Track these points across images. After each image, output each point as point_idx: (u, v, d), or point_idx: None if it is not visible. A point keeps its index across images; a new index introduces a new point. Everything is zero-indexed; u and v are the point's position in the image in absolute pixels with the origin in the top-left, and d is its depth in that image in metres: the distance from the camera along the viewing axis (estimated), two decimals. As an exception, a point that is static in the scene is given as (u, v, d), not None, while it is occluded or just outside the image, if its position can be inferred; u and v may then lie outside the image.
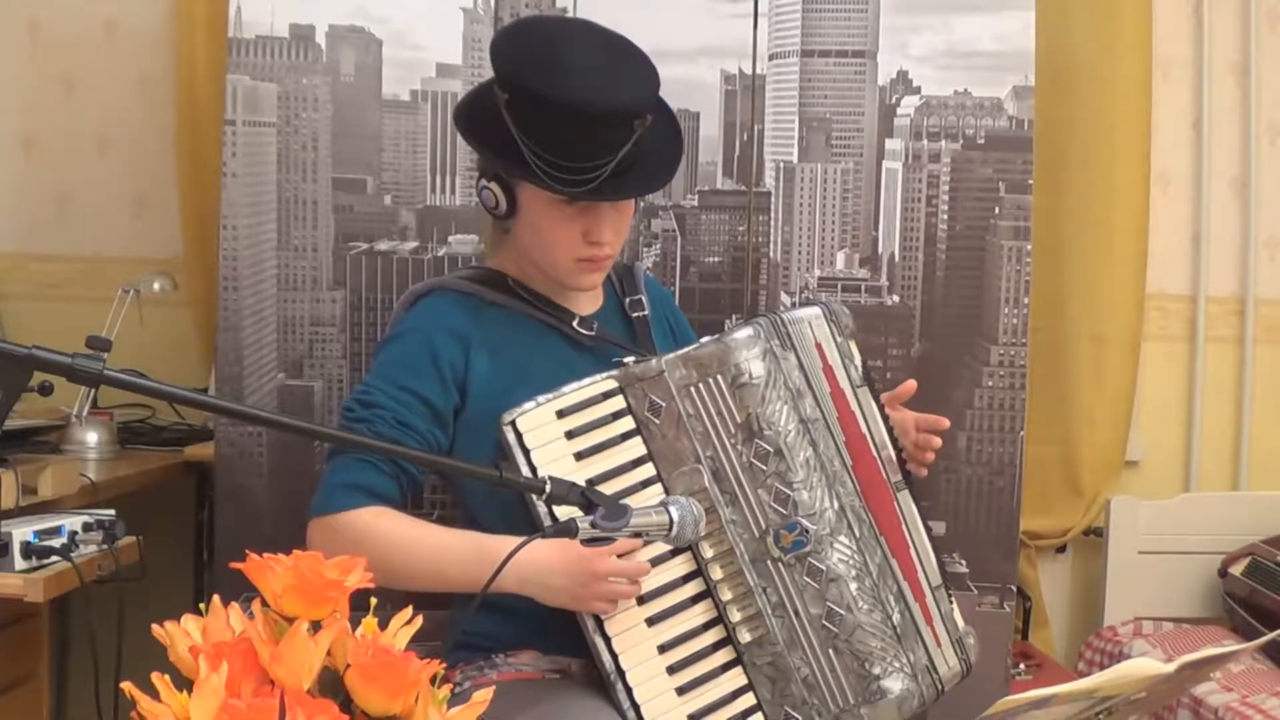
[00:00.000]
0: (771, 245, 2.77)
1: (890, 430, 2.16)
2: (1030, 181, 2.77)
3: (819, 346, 2.10)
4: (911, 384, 2.23)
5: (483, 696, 1.43)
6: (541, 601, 1.95)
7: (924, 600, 2.09)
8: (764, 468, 2.00)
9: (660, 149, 2.07)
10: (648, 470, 2.00)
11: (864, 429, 2.12)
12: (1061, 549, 3.47)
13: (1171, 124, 3.42)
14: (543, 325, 2.13)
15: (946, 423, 2.26)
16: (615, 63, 2.01)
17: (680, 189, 2.76)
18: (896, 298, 2.77)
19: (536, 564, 1.89)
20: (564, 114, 1.95)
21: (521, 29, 2.15)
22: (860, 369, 2.15)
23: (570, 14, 2.68)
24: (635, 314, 2.23)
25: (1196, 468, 3.49)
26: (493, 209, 2.09)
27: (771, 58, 2.75)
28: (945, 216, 2.78)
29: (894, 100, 2.77)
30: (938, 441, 2.24)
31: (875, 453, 2.12)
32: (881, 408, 2.17)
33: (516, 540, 1.83)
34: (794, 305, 2.73)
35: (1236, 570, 3.21)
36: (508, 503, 1.97)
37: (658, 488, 1.99)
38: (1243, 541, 3.26)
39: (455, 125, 2.17)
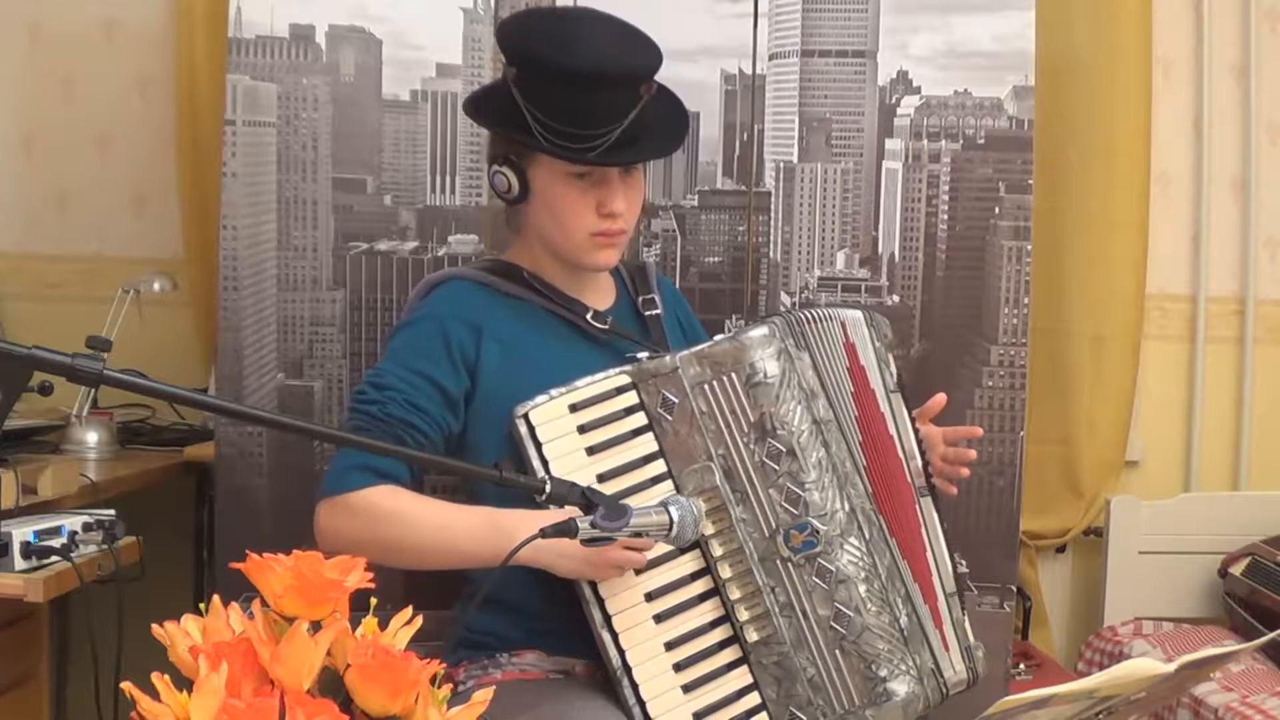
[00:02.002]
0: (771, 245, 2.77)
1: (920, 441, 2.18)
2: (1030, 181, 2.77)
3: (850, 346, 2.11)
4: (941, 397, 2.26)
5: (483, 696, 1.43)
6: (553, 571, 1.94)
7: (935, 604, 2.09)
8: (776, 467, 2.00)
9: (665, 121, 2.10)
10: (659, 467, 2.01)
11: (893, 431, 2.13)
12: (1061, 549, 3.46)
13: (1171, 124, 3.42)
14: (556, 318, 2.13)
15: (979, 431, 2.29)
16: (619, 33, 2.05)
17: (680, 189, 2.76)
18: (896, 298, 2.77)
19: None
20: (574, 80, 1.98)
21: (526, 12, 2.25)
22: (895, 377, 2.17)
23: (570, 14, 2.70)
24: (648, 312, 2.24)
25: (1196, 468, 3.49)
26: (505, 193, 2.10)
27: (771, 58, 2.75)
28: (945, 216, 2.78)
29: (894, 100, 2.77)
30: (971, 454, 2.25)
31: (903, 455, 2.13)
32: (913, 419, 2.18)
33: (522, 512, 1.85)
34: (795, 305, 2.73)
35: (1236, 570, 3.21)
36: (514, 496, 1.97)
37: (668, 484, 2.00)
38: (1243, 541, 3.26)
39: (464, 110, 2.22)
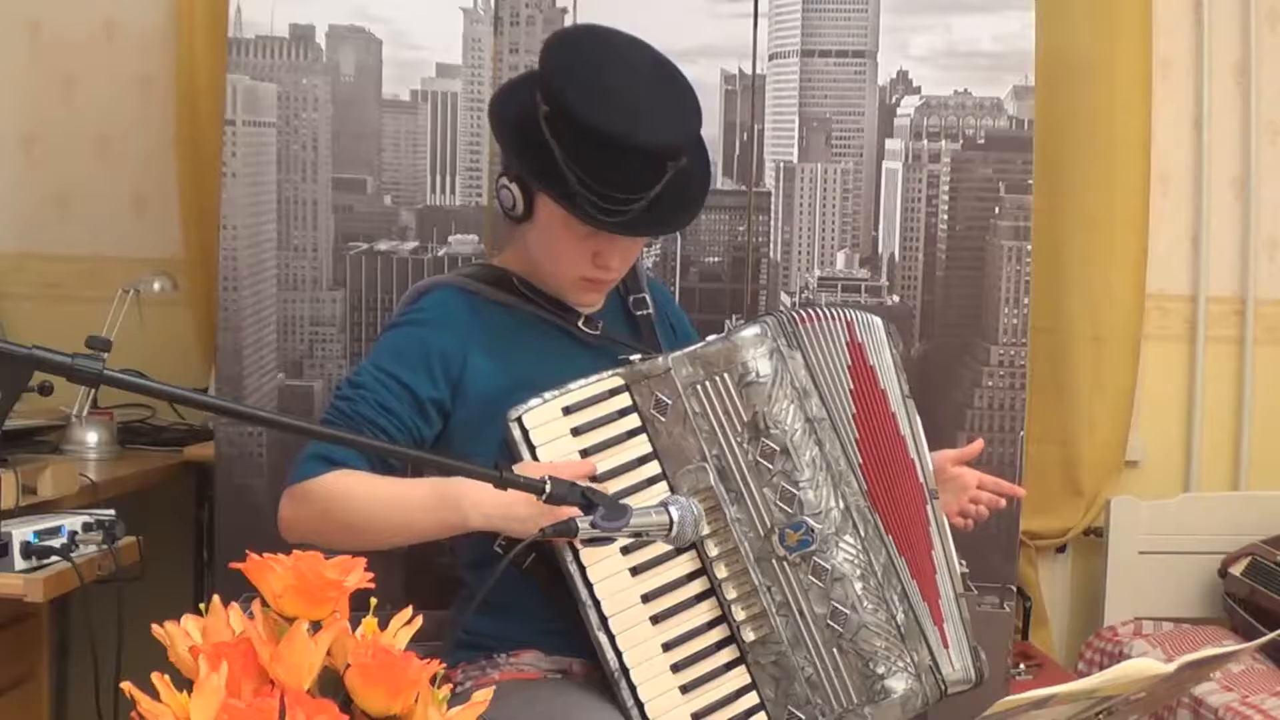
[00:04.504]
0: (771, 245, 2.77)
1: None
2: (1030, 181, 2.77)
3: (857, 346, 2.11)
4: (979, 443, 2.29)
5: (483, 696, 1.43)
6: (509, 534, 1.93)
7: (936, 601, 2.09)
8: (770, 466, 2.01)
9: (689, 187, 2.06)
10: (653, 468, 2.00)
11: (906, 431, 2.14)
12: (1061, 549, 3.47)
13: (1171, 124, 3.42)
14: (547, 324, 2.13)
15: (1021, 492, 2.34)
16: (658, 97, 2.00)
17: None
18: (896, 298, 2.77)
19: (497, 501, 1.89)
20: (597, 142, 1.94)
21: (574, 41, 2.10)
22: (906, 385, 2.18)
23: (571, 16, 2.69)
24: (639, 312, 2.24)
25: (1196, 468, 3.49)
26: (509, 209, 2.09)
27: (771, 58, 2.75)
28: (945, 216, 2.78)
29: (894, 100, 2.77)
30: (1002, 503, 2.28)
31: (916, 456, 2.14)
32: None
33: (473, 481, 1.84)
34: (794, 305, 2.73)
35: (1236, 570, 3.21)
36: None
37: (663, 485, 1.99)
38: (1243, 541, 3.26)
39: (489, 115, 2.15)
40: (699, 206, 2.13)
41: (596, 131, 1.93)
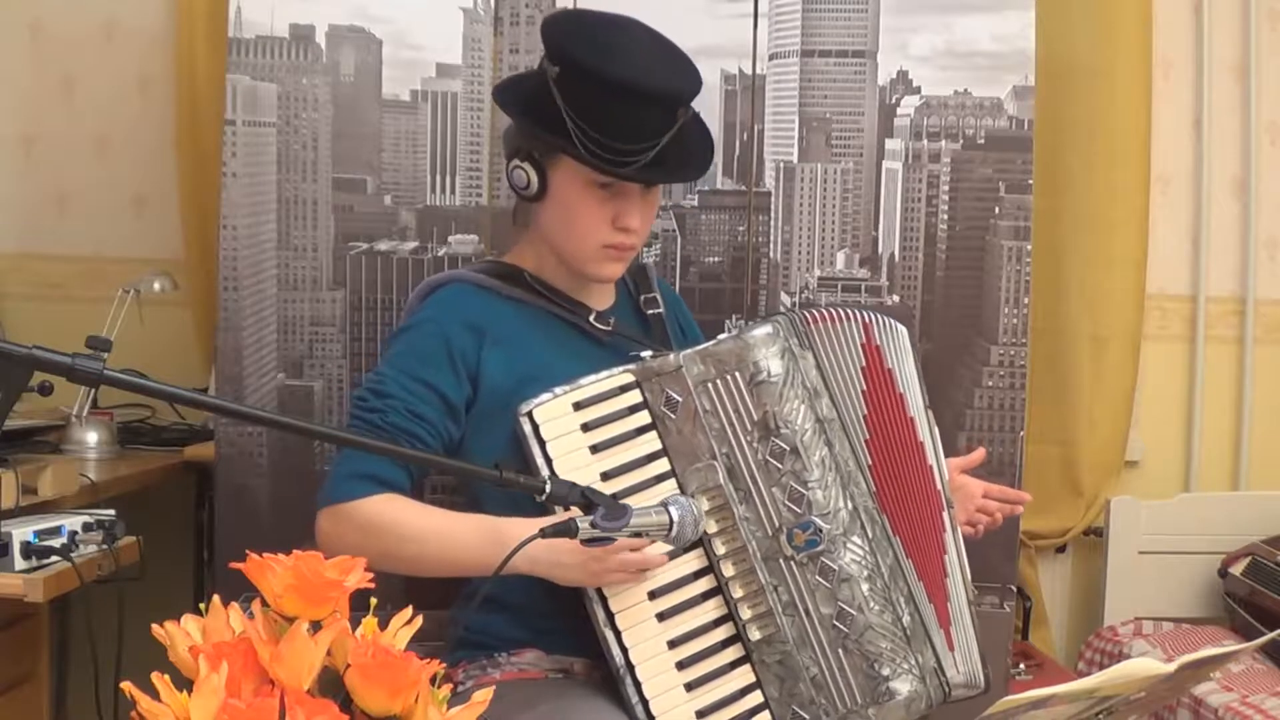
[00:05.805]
0: (771, 245, 2.77)
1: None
2: (1030, 181, 2.77)
3: (875, 349, 2.12)
4: (981, 451, 2.31)
5: (483, 696, 1.43)
6: (553, 580, 1.94)
7: (944, 604, 2.09)
8: (779, 466, 2.01)
9: (693, 145, 2.10)
10: (663, 465, 2.01)
11: (924, 437, 2.14)
12: (1061, 549, 3.47)
13: (1171, 124, 3.42)
14: (559, 320, 2.13)
15: (1028, 497, 2.35)
16: (664, 52, 2.05)
17: (680, 189, 2.75)
18: (896, 298, 2.77)
19: (546, 546, 1.89)
20: (613, 92, 1.97)
21: (574, 13, 2.24)
22: (926, 395, 2.18)
23: (571, 14, 2.70)
24: (650, 311, 2.24)
25: (1196, 468, 3.49)
26: (523, 189, 2.09)
27: (771, 58, 2.75)
28: (945, 216, 2.78)
29: (894, 100, 2.77)
30: (1019, 509, 2.30)
31: (934, 462, 2.14)
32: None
33: (522, 520, 1.85)
34: (794, 305, 2.73)
35: (1236, 570, 3.21)
36: (516, 498, 1.97)
37: (672, 483, 2.00)
38: (1243, 541, 3.26)
39: (495, 98, 2.20)
40: (708, 163, 2.18)
41: (606, 80, 1.97)
